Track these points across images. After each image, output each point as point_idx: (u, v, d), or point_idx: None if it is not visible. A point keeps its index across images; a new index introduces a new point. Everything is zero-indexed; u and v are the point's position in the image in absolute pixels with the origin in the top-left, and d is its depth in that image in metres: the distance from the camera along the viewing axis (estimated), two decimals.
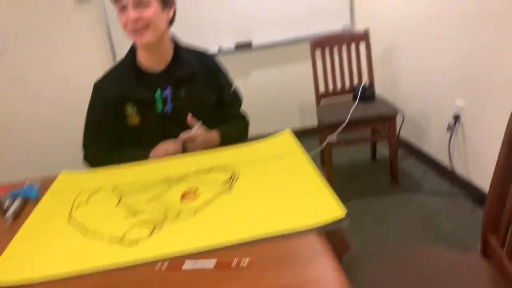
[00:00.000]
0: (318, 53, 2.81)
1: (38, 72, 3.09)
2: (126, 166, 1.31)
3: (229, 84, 1.58)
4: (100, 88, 1.48)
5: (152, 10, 1.31)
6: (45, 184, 1.26)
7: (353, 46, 2.81)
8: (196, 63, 1.47)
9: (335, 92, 2.87)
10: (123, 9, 1.30)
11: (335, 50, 2.81)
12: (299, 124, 3.65)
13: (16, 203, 1.13)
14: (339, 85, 2.87)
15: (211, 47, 3.27)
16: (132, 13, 1.28)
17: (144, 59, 1.44)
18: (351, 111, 2.48)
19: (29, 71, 3.08)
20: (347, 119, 2.44)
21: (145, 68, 1.45)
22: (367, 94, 2.66)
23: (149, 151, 1.41)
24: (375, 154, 3.07)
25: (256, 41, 3.33)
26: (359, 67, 2.83)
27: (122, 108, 1.43)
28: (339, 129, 2.45)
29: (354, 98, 2.68)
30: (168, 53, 1.45)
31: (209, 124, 1.46)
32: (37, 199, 1.17)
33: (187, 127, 1.40)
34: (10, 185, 1.27)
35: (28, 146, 3.26)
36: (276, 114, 3.61)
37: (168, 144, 1.39)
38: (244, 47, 3.32)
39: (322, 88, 2.87)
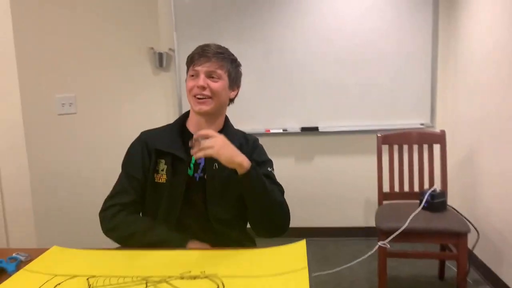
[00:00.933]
0: (385, 149, 2.59)
1: (106, 135, 3.14)
2: (115, 254, 1.19)
3: (264, 163, 1.47)
4: (144, 136, 1.49)
5: (220, 84, 1.38)
6: (36, 255, 1.17)
7: (425, 147, 2.54)
8: (237, 141, 1.44)
9: (400, 195, 2.57)
10: (194, 75, 1.37)
11: (405, 148, 2.56)
12: (360, 220, 3.34)
13: None
14: (406, 187, 2.58)
15: (276, 128, 3.21)
16: (202, 80, 1.35)
17: (194, 124, 1.45)
18: (410, 218, 2.17)
19: (98, 133, 3.14)
20: (404, 226, 2.13)
21: (192, 131, 1.44)
22: (436, 203, 2.33)
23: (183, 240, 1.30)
24: (443, 272, 2.63)
25: (322, 125, 3.19)
26: (431, 171, 2.53)
27: (156, 161, 1.42)
28: (392, 236, 2.14)
29: (421, 204, 2.37)
30: (217, 127, 1.45)
31: (236, 203, 1.39)
32: (12, 273, 1.07)
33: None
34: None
35: (94, 210, 3.32)
36: (336, 205, 3.34)
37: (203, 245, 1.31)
38: (310, 130, 3.20)
39: (386, 188, 2.59)
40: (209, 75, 1.37)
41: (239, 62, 1.48)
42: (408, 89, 3.11)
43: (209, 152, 1.20)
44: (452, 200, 2.52)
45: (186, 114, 1.50)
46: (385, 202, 2.59)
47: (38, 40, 2.60)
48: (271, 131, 3.24)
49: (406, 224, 2.14)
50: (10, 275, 1.07)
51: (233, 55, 1.46)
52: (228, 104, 1.50)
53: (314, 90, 3.17)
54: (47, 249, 1.23)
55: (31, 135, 2.59)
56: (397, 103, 3.13)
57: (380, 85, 3.12)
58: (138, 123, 3.28)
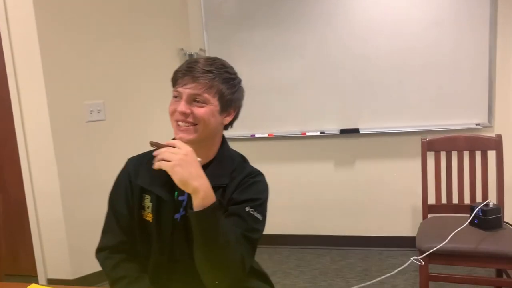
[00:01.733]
0: (431, 155, 2.30)
1: (136, 141, 3.05)
2: None
3: (250, 202, 1.18)
4: (129, 166, 1.31)
5: (207, 110, 1.14)
6: None
7: (478, 153, 2.23)
8: (229, 177, 1.20)
9: (449, 208, 2.28)
10: (176, 97, 1.16)
11: (454, 154, 2.26)
12: (406, 230, 3.05)
13: None
14: (455, 199, 2.28)
15: (312, 130, 3.00)
16: (183, 106, 1.13)
17: None
18: (450, 235, 1.90)
19: (128, 139, 3.06)
20: (441, 244, 1.87)
21: None
22: (490, 219, 2.02)
23: None
24: None
25: (363, 127, 2.94)
26: (484, 182, 2.22)
27: (142, 197, 1.25)
28: (426, 253, 1.88)
29: (472, 220, 2.07)
30: (208, 156, 1.22)
31: None
32: None
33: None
34: None
35: None
36: (379, 213, 3.08)
37: None
38: (350, 132, 2.96)
39: (432, 199, 2.31)
40: (194, 99, 1.14)
41: (237, 80, 1.23)
42: (461, 85, 2.77)
43: (165, 166, 1.02)
44: (510, 217, 2.20)
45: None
46: (431, 215, 2.31)
47: (64, 45, 2.58)
48: (308, 134, 3.03)
49: (445, 241, 1.87)
50: None
51: (229, 71, 1.20)
52: (225, 129, 1.27)
53: (354, 89, 2.92)
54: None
55: (60, 143, 2.59)
56: (448, 101, 2.80)
57: (428, 81, 2.80)
58: (169, 128, 3.19)
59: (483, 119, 2.77)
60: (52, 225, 2.67)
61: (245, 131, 3.11)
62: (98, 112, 2.73)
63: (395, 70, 2.83)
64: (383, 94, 2.88)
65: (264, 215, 1.20)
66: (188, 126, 1.14)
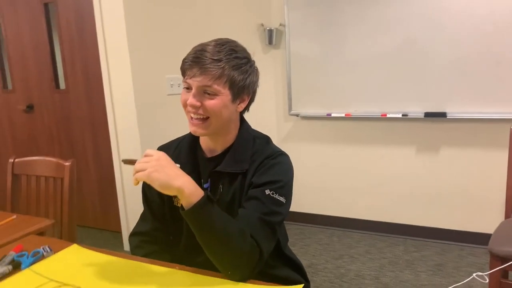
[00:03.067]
0: None
1: None
2: (125, 264, 1.16)
3: (270, 184, 1.14)
4: None
5: (218, 102, 1.11)
6: (59, 250, 1.23)
7: None
8: (248, 162, 1.18)
9: None
10: (187, 88, 1.13)
11: None
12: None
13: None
14: None
15: (394, 112, 2.81)
16: (193, 98, 1.10)
17: (203, 140, 1.26)
18: None
19: None
20: None
21: (204, 148, 1.26)
22: None
23: None
24: None
25: (451, 110, 2.67)
26: None
27: None
28: (501, 267, 1.67)
29: None
30: (226, 142, 1.22)
31: None
32: (24, 269, 1.14)
33: None
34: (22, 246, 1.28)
35: None
36: (464, 205, 2.81)
37: None
38: (435, 115, 2.71)
39: None
40: (204, 90, 1.10)
41: (250, 63, 1.16)
42: None
43: (140, 177, 0.99)
44: None
45: None
46: None
47: (148, 21, 2.72)
48: (389, 115, 2.84)
49: None
50: (21, 270, 1.14)
51: (239, 56, 1.12)
52: (242, 113, 1.24)
53: (442, 69, 2.65)
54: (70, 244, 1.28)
55: (142, 114, 2.78)
56: None
57: None
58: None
59: None
60: (135, 188, 2.91)
61: (321, 109, 3.02)
62: (179, 86, 2.86)
63: (491, 51, 2.50)
64: (475, 75, 2.57)
65: (287, 197, 1.16)
66: (200, 119, 1.12)
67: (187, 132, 1.32)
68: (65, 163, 1.82)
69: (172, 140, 1.36)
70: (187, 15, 2.83)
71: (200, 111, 1.11)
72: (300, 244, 2.99)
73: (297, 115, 3.15)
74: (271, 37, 3.05)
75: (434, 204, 2.89)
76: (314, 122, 3.13)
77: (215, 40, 1.14)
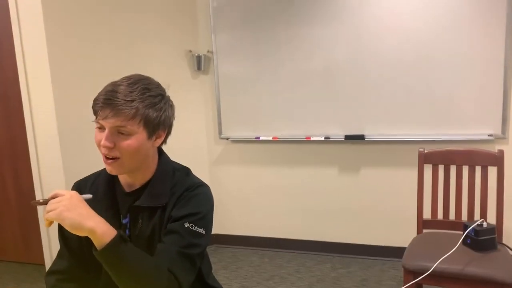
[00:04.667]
0: (428, 168, 2.21)
1: None
2: None
3: (189, 217, 1.15)
4: (75, 189, 1.29)
5: (133, 141, 1.10)
6: None
7: (478, 169, 2.11)
8: (168, 195, 1.18)
9: (445, 224, 2.19)
10: (100, 128, 1.10)
11: (453, 169, 2.16)
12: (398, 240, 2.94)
13: None
14: (452, 215, 2.19)
15: (317, 135, 2.95)
16: (106, 139, 1.08)
17: (121, 176, 1.24)
18: (440, 259, 1.81)
19: None
20: (431, 269, 1.78)
21: (122, 182, 1.24)
22: (482, 240, 1.91)
23: None
24: None
25: (369, 133, 2.86)
26: (483, 199, 2.10)
27: None
28: (413, 281, 1.80)
29: (465, 239, 1.97)
30: (145, 177, 1.21)
31: None
32: None
33: None
34: None
35: None
36: (383, 222, 2.99)
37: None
38: (355, 138, 2.88)
39: (427, 214, 2.23)
40: (118, 131, 1.08)
41: (164, 99, 1.16)
42: (474, 92, 2.62)
43: (50, 216, 0.97)
44: (509, 238, 2.07)
45: None
46: (426, 230, 2.22)
47: (70, 47, 2.65)
48: (312, 138, 2.98)
49: (430, 262, 1.80)
50: None
51: (152, 94, 1.12)
52: (160, 147, 1.24)
53: (360, 93, 2.83)
54: None
55: (65, 142, 2.69)
56: (458, 109, 2.66)
57: (438, 88, 2.68)
58: (177, 128, 3.26)
59: (496, 129, 2.62)
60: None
61: (250, 133, 3.10)
62: None
63: (403, 76, 2.73)
64: (390, 100, 2.78)
65: (207, 228, 1.17)
66: (114, 159, 1.11)
67: None
68: None
69: (90, 175, 1.33)
70: (115, 38, 2.81)
71: (114, 152, 1.10)
72: (232, 267, 3.01)
73: (227, 139, 3.20)
74: (200, 63, 3.10)
75: (357, 221, 3.05)
76: (244, 145, 3.20)
77: (127, 79, 1.12)
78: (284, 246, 3.25)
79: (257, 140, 3.13)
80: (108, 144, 1.07)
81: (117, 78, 2.84)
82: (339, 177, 3.04)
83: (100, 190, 1.23)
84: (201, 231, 1.15)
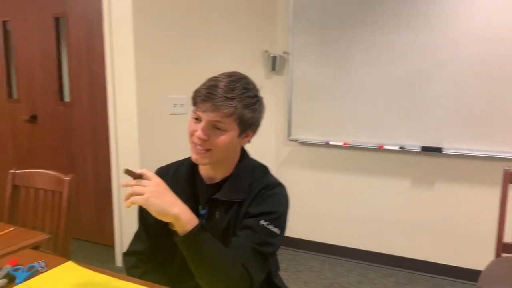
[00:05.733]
0: None
1: None
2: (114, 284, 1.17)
3: (265, 215, 1.16)
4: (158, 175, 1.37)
5: (226, 138, 1.14)
6: (53, 266, 1.25)
7: None
8: (246, 191, 1.20)
9: None
10: (197, 119, 1.15)
11: None
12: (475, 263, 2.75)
13: None
14: None
15: (391, 144, 2.85)
16: (201, 132, 1.12)
17: (202, 167, 1.28)
18: None
19: None
20: None
21: (203, 174, 1.28)
22: None
23: None
24: None
25: (447, 146, 2.71)
26: None
27: None
28: None
29: None
30: (226, 171, 1.24)
31: None
32: (18, 283, 1.16)
33: None
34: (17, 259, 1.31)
35: None
36: (456, 241, 2.83)
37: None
38: (432, 150, 2.75)
39: (508, 237, 2.07)
40: (214, 125, 1.13)
41: (259, 101, 1.19)
42: None
43: (137, 200, 1.00)
44: None
45: None
46: (505, 255, 2.07)
47: (155, 42, 2.78)
48: (385, 147, 2.88)
49: None
50: (15, 285, 1.16)
51: (250, 95, 1.15)
52: (243, 145, 1.26)
53: (439, 103, 2.70)
54: (66, 261, 1.30)
55: (144, 132, 2.81)
56: None
57: None
58: None
59: None
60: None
61: (319, 136, 3.07)
62: (181, 106, 2.91)
63: (487, 87, 2.56)
64: (472, 112, 2.62)
65: (282, 228, 1.18)
66: (204, 149, 1.14)
67: (187, 152, 1.34)
68: (65, 178, 1.84)
69: (172, 163, 1.39)
70: (194, 40, 2.89)
71: (207, 145, 1.14)
72: (292, 270, 3.00)
73: (296, 141, 3.19)
74: (275, 64, 3.12)
75: (427, 237, 2.91)
76: (312, 149, 3.17)
77: (228, 76, 1.15)
78: (345, 255, 3.17)
79: (326, 145, 3.09)
80: (203, 136, 1.12)
81: (193, 75, 2.93)
82: (411, 190, 2.91)
83: (182, 179, 1.28)
84: (276, 230, 1.16)
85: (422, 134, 2.78)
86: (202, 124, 1.13)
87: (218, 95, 1.10)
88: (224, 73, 1.18)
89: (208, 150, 1.15)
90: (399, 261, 3.00)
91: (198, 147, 1.15)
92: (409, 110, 2.79)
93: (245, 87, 1.15)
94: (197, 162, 1.19)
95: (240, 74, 1.19)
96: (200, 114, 1.13)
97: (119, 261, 3.00)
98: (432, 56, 2.69)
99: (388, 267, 3.03)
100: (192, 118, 1.16)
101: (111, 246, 3.10)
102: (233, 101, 1.11)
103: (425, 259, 2.93)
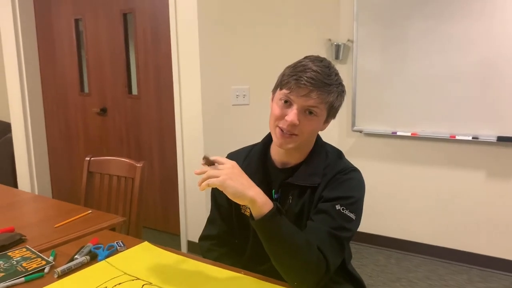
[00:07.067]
0: None
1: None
2: (192, 265, 1.20)
3: (341, 200, 1.13)
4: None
5: (315, 123, 1.13)
6: (130, 246, 1.30)
7: None
8: (320, 176, 1.18)
9: None
10: (286, 102, 1.12)
11: None
12: None
13: (77, 261, 1.19)
14: None
15: (463, 134, 2.70)
16: (294, 117, 1.09)
17: (275, 152, 1.26)
18: None
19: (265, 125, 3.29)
20: None
21: (275, 158, 1.27)
22: None
23: None
24: None
25: None
26: None
27: None
28: None
29: None
30: (301, 156, 1.22)
31: None
32: (100, 260, 1.21)
33: None
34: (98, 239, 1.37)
35: None
36: None
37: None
38: (510, 140, 2.57)
39: None
40: (305, 111, 1.10)
41: (345, 90, 1.18)
42: None
43: (213, 182, 1.00)
44: None
45: (271, 136, 1.23)
46: None
47: (218, 34, 2.81)
48: (458, 137, 2.73)
49: None
50: (97, 261, 1.21)
51: (342, 83, 1.15)
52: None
53: None
54: (142, 241, 1.35)
55: (208, 122, 2.86)
56: None
57: None
58: None
59: None
60: (196, 193, 3.00)
61: (385, 127, 2.96)
62: (244, 97, 2.93)
63: None
64: None
65: (358, 214, 1.16)
66: (290, 135, 1.12)
67: (249, 142, 1.36)
68: (137, 164, 1.92)
69: (241, 148, 1.39)
70: (257, 30, 2.89)
71: (296, 129, 1.11)
72: (357, 264, 2.93)
73: (360, 132, 3.10)
74: (338, 52, 3.04)
75: (502, 233, 2.73)
76: (378, 140, 3.07)
77: (319, 60, 1.12)
78: (412, 250, 3.05)
79: (393, 135, 2.97)
80: (296, 121, 1.09)
81: (256, 65, 2.90)
82: (486, 183, 2.74)
83: (253, 164, 1.27)
84: (352, 216, 1.14)
85: (498, 123, 2.60)
86: (294, 108, 1.10)
87: (317, 79, 1.07)
88: (309, 56, 1.14)
89: (294, 135, 1.12)
90: (472, 258, 2.84)
91: (285, 131, 1.12)
92: (482, 98, 2.62)
93: (336, 73, 1.14)
94: (280, 147, 1.17)
95: (325, 59, 1.16)
96: (293, 98, 1.10)
97: (184, 249, 3.08)
98: (506, 42, 2.50)
99: (460, 264, 2.87)
100: (281, 101, 1.13)
101: (177, 234, 3.19)
102: (330, 87, 1.09)
103: (500, 257, 2.75)
